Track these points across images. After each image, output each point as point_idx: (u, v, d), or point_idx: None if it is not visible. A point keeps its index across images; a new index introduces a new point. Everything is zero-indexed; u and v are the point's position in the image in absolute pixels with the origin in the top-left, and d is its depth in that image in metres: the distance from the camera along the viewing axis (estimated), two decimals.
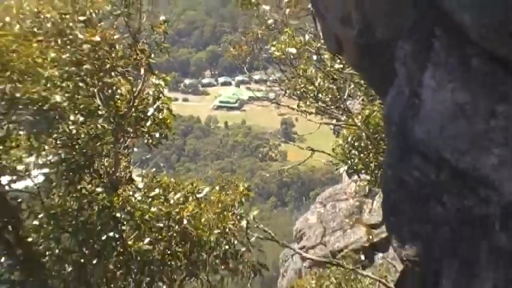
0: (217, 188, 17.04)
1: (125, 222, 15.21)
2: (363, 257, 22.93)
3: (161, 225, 15.71)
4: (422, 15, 9.16)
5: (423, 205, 8.92)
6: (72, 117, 15.13)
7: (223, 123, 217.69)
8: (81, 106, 15.20)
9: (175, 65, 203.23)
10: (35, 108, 14.27)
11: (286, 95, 25.28)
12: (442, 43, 8.71)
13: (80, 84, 15.07)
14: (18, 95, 14.09)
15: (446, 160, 8.47)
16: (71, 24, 15.16)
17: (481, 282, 7.88)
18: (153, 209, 15.39)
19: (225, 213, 16.20)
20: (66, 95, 14.87)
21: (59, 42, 15.03)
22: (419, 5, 9.27)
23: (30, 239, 15.72)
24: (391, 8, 10.28)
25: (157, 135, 16.21)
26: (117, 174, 15.90)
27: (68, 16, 15.35)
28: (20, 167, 15.56)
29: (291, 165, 57.67)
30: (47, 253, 15.53)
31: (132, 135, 16.09)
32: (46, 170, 15.71)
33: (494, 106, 7.73)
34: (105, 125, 15.24)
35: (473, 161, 7.99)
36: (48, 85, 14.57)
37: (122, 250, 15.41)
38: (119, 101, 15.81)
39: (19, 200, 15.99)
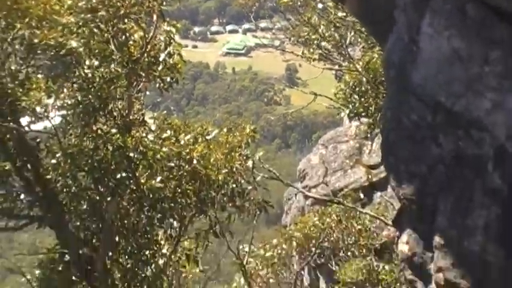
0: (225, 130, 17.35)
1: (137, 162, 15.57)
2: (362, 196, 23.29)
3: (172, 164, 16.12)
4: None
5: (420, 145, 9.08)
6: (87, 62, 15.43)
7: (231, 68, 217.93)
8: (96, 51, 15.49)
9: (186, 13, 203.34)
10: (52, 53, 14.60)
11: (291, 42, 25.50)
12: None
13: (95, 30, 15.32)
14: (36, 40, 14.38)
15: (442, 103, 8.56)
16: None
17: (474, 220, 8.04)
18: (164, 149, 15.77)
19: (232, 153, 16.63)
20: (82, 40, 15.14)
21: None
22: None
23: (48, 177, 16.23)
24: None
25: (168, 79, 16.51)
26: (131, 116, 16.21)
27: None
28: (39, 109, 15.96)
29: (294, 109, 57.56)
30: (64, 190, 15.98)
31: (144, 79, 16.37)
32: (63, 112, 16.05)
33: (488, 52, 7.78)
34: (119, 69, 15.53)
35: (468, 104, 8.08)
36: (65, 31, 14.86)
37: (134, 188, 15.89)
38: (132, 47, 16.14)
39: (38, 140, 16.49)
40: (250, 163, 17.46)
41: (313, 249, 20.65)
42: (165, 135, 16.44)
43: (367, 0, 11.52)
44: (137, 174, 16.07)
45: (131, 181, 15.98)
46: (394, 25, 10.01)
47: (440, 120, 8.70)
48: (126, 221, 16.87)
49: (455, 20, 8.37)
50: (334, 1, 18.15)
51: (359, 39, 22.44)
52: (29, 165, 16.27)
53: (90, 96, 15.02)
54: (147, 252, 17.14)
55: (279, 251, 21.13)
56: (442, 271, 8.73)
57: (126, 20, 15.55)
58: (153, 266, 17.23)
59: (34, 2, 14.66)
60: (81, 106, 15.26)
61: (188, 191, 16.43)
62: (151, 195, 16.11)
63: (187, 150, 16.39)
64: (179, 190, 16.49)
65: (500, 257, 7.89)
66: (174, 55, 16.30)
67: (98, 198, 16.08)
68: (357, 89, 20.98)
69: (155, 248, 17.45)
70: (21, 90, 15.35)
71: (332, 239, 21.01)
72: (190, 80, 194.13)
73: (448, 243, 8.67)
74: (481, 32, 8.00)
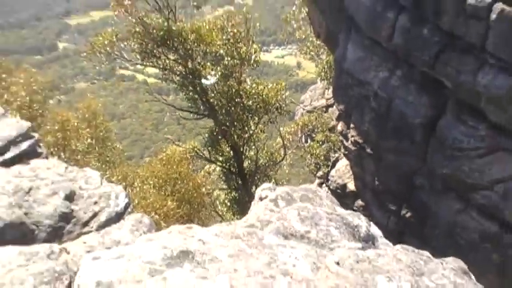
0: None
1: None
2: (324, 110, 31.12)
3: None
4: (346, 23, 20.75)
5: (346, 91, 21.31)
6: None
7: None
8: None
9: None
10: None
11: None
12: (356, 33, 20.30)
13: None
14: None
15: (355, 76, 20.03)
16: None
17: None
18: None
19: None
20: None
21: None
22: (346, 21, 20.68)
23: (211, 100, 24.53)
24: (334, 21, 21.92)
25: None
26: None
27: None
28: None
29: None
30: (216, 104, 23.86)
31: None
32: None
33: (373, 56, 19.67)
34: None
35: (364, 76, 19.80)
36: None
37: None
38: None
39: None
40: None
41: (306, 128, 28.34)
42: None
43: (328, 33, 23.50)
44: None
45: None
46: (338, 45, 21.36)
47: (353, 82, 20.03)
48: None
49: (359, 44, 19.69)
50: (316, 36, 27.76)
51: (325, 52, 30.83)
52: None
53: None
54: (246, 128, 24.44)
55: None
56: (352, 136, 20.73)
57: None
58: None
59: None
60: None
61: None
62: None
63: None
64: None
65: None
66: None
67: (229, 108, 23.60)
68: (325, 67, 29.66)
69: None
70: None
71: (311, 125, 28.36)
72: None
73: (355, 126, 20.46)
74: (371, 49, 19.20)
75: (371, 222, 5.96)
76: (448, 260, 5.25)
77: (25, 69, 21.61)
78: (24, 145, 8.00)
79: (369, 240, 5.57)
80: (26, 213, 6.53)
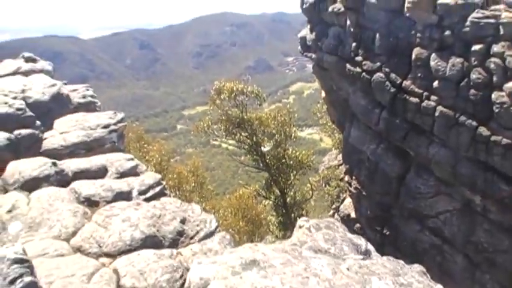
0: None
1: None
2: None
3: None
4: (350, 115, 20.96)
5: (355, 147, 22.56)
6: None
7: None
8: None
9: None
10: None
11: None
12: (357, 122, 20.47)
13: None
14: None
15: (358, 149, 20.68)
16: None
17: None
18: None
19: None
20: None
21: None
22: (349, 114, 20.93)
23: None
24: (343, 114, 22.06)
25: None
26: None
27: None
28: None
29: None
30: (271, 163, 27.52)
31: None
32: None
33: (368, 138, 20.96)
34: None
35: (362, 147, 20.48)
36: None
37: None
38: None
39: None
40: None
41: (325, 178, 27.58)
42: None
43: (339, 121, 23.84)
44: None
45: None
46: (345, 128, 21.70)
47: (354, 151, 20.38)
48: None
49: (358, 128, 19.96)
50: (331, 122, 27.24)
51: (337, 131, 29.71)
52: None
53: None
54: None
55: None
56: None
57: None
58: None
59: None
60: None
61: None
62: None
63: None
64: None
65: None
66: None
67: (278, 165, 24.28)
68: (337, 141, 29.49)
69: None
70: None
71: (329, 177, 27.46)
72: None
73: (356, 178, 21.87)
74: (365, 131, 19.50)
75: (368, 242, 6.38)
76: (414, 265, 5.77)
77: (157, 141, 23.13)
78: (157, 189, 8.46)
79: (366, 254, 6.04)
80: (157, 230, 7.07)
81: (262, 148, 23.88)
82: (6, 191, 8.32)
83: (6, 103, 10.96)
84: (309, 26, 22.56)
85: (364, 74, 18.34)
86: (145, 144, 20.60)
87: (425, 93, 15.93)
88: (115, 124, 11.01)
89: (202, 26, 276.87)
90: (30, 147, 10.42)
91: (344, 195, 24.99)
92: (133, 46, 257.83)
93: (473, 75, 14.28)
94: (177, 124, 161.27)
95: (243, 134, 23.66)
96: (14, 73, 13.24)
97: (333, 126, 27.53)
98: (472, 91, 14.34)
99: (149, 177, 8.74)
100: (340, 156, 25.67)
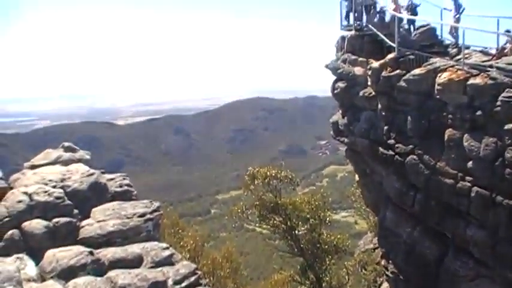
0: None
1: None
2: None
3: None
4: (384, 198, 20.39)
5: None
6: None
7: None
8: None
9: None
10: None
11: None
12: (392, 205, 19.86)
13: None
14: None
15: (393, 232, 19.87)
16: None
17: None
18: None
19: None
20: None
21: None
22: (384, 197, 20.40)
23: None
24: (377, 197, 21.82)
25: None
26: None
27: None
28: None
29: None
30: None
31: None
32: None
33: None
34: None
35: (398, 230, 20.31)
36: None
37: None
38: None
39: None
40: None
41: (362, 262, 27.19)
42: None
43: (373, 203, 23.71)
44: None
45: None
46: (380, 211, 21.23)
47: (390, 234, 19.69)
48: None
49: (393, 211, 19.41)
50: (366, 205, 26.80)
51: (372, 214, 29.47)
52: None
53: None
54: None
55: None
56: None
57: None
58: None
59: None
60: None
61: None
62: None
63: None
64: None
65: None
66: None
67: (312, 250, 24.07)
68: (373, 224, 29.21)
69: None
70: None
71: (365, 260, 27.01)
72: None
73: (393, 261, 21.17)
74: (400, 213, 18.90)
75: None
76: None
77: (191, 226, 23.31)
78: (192, 279, 8.53)
79: None
80: None
81: (297, 233, 23.57)
82: (43, 280, 8.49)
83: (46, 192, 11.36)
84: (340, 111, 22.81)
85: (397, 156, 18.32)
86: (180, 230, 20.78)
87: (459, 174, 15.72)
88: (151, 213, 11.25)
89: (235, 111, 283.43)
90: (67, 235, 10.68)
91: (381, 280, 24.26)
92: (168, 132, 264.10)
93: (508, 154, 14.16)
94: (211, 208, 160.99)
95: (277, 218, 23.58)
96: (54, 162, 13.78)
97: (368, 209, 27.31)
98: (508, 170, 14.16)
99: (184, 266, 8.83)
100: (375, 240, 25.14)
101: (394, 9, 20.36)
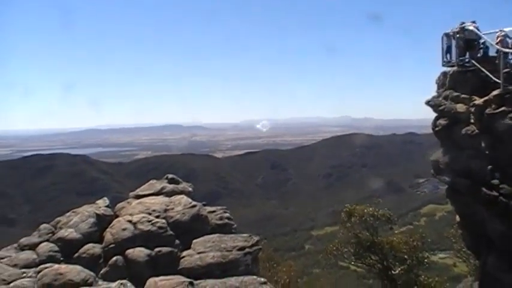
0: None
1: None
2: None
3: None
4: (486, 241, 19.20)
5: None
6: None
7: None
8: None
9: None
10: None
11: None
12: (495, 249, 18.65)
13: None
14: None
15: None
16: None
17: None
18: None
19: None
20: None
21: None
22: (486, 240, 19.30)
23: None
24: (477, 239, 20.22)
25: None
26: None
27: None
28: None
29: None
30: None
31: None
32: None
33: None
34: None
35: None
36: None
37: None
38: None
39: None
40: None
41: None
42: None
43: (474, 246, 22.14)
44: None
45: None
46: (481, 254, 20.08)
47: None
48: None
49: (497, 255, 18.17)
50: (466, 248, 24.83)
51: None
52: None
53: None
54: None
55: None
56: None
57: None
58: None
59: None
60: None
61: None
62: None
63: None
64: None
65: None
66: None
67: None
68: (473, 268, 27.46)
69: None
70: None
71: None
72: None
73: None
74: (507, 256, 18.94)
75: None
76: None
77: (285, 260, 23.34)
78: None
79: None
80: None
81: (393, 272, 22.83)
82: None
83: (149, 221, 11.89)
84: (441, 149, 22.04)
85: (501, 198, 17.30)
86: (275, 264, 20.86)
87: None
88: (250, 247, 11.42)
89: (331, 147, 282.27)
90: (168, 265, 11.08)
91: None
92: (265, 166, 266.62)
93: None
94: (305, 244, 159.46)
95: (373, 257, 23.08)
96: (158, 193, 14.43)
97: (468, 251, 25.76)
98: None
99: None
100: (476, 284, 23.69)
101: (500, 44, 19.57)
